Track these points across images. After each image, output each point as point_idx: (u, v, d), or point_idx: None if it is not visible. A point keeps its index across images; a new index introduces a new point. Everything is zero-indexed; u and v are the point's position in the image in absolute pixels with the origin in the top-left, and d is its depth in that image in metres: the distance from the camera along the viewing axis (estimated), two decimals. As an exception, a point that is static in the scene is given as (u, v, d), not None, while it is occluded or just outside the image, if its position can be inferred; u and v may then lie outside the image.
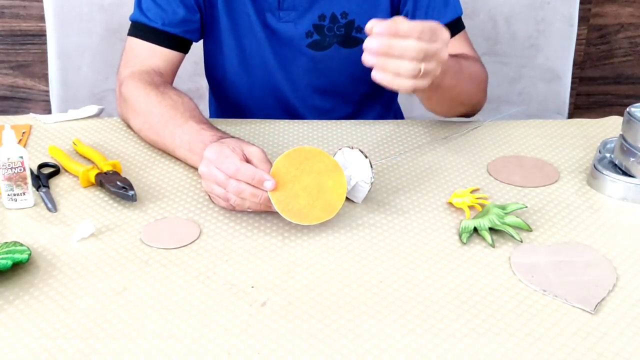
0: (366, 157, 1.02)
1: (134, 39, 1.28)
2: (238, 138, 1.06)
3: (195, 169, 1.11)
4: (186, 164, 1.14)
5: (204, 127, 1.10)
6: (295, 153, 0.99)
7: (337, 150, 1.06)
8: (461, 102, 1.26)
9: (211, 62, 1.40)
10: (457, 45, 1.33)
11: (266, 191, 0.96)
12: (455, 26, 1.32)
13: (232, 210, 1.02)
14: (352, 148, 1.03)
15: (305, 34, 1.31)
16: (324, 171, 0.99)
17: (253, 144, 1.02)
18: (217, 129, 1.10)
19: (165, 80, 1.26)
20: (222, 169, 0.97)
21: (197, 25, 1.31)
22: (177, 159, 1.15)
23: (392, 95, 1.49)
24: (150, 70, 1.26)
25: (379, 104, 1.45)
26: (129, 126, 1.25)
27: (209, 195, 1.04)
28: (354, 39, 1.32)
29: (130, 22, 1.30)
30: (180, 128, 1.12)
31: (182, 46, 1.30)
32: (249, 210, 1.01)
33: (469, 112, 1.32)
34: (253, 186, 0.97)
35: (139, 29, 1.28)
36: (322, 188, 0.99)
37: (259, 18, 1.30)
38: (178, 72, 1.34)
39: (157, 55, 1.27)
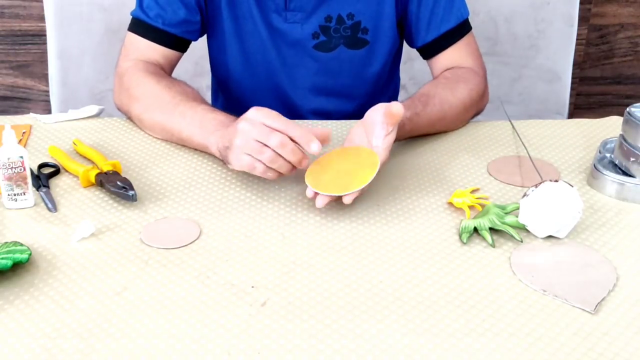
0: (572, 186, 0.98)
1: (134, 35, 1.29)
2: None
3: (201, 152, 1.15)
4: (191, 144, 1.16)
5: (217, 110, 1.14)
6: (351, 149, 1.06)
7: (529, 188, 0.99)
8: (454, 122, 1.27)
9: (216, 61, 1.41)
10: (456, 54, 1.32)
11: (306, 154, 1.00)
12: (459, 31, 1.32)
13: (250, 171, 1.03)
14: (555, 181, 0.98)
15: (311, 35, 1.31)
16: (363, 163, 1.02)
17: None
18: (229, 114, 1.13)
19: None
20: (270, 124, 1.00)
21: (197, 26, 1.32)
22: (181, 141, 1.17)
23: (394, 94, 1.49)
24: (152, 62, 1.28)
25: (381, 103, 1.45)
26: (126, 115, 1.26)
27: (228, 158, 1.04)
28: (360, 40, 1.32)
29: (131, 17, 1.30)
30: (193, 109, 1.14)
31: (180, 45, 1.31)
32: (267, 175, 1.02)
33: (472, 118, 1.32)
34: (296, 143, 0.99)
35: (138, 26, 1.29)
36: (351, 174, 1.01)
37: (263, 19, 1.30)
38: (179, 73, 1.34)
39: (156, 52, 1.29)
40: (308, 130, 1.01)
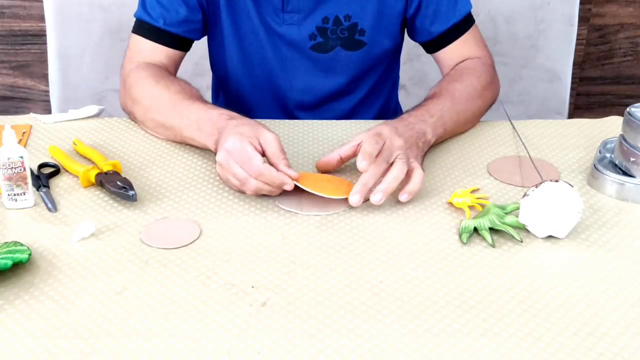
0: (572, 186, 0.98)
1: (137, 36, 1.30)
2: (249, 120, 1.09)
3: (201, 152, 1.14)
4: (193, 144, 1.16)
5: (210, 106, 1.14)
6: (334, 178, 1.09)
7: (529, 188, 0.99)
8: (471, 120, 1.28)
9: (215, 59, 1.41)
10: (464, 46, 1.34)
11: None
12: (463, 26, 1.33)
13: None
14: (555, 181, 0.98)
15: (308, 37, 1.31)
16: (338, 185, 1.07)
17: (267, 129, 1.05)
18: (224, 109, 1.13)
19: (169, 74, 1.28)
20: (244, 168, 1.01)
21: (199, 25, 1.32)
22: (184, 141, 1.17)
23: (391, 94, 1.49)
24: (155, 64, 1.28)
25: (377, 104, 1.45)
26: (131, 118, 1.27)
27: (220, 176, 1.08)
28: (357, 41, 1.32)
29: (134, 19, 1.31)
30: (188, 109, 1.15)
31: (183, 45, 1.32)
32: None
33: (488, 107, 1.32)
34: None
35: (141, 27, 1.30)
36: (336, 189, 1.05)
37: (261, 19, 1.30)
38: (179, 73, 1.34)
39: (159, 53, 1.30)
40: (272, 157, 1.03)
